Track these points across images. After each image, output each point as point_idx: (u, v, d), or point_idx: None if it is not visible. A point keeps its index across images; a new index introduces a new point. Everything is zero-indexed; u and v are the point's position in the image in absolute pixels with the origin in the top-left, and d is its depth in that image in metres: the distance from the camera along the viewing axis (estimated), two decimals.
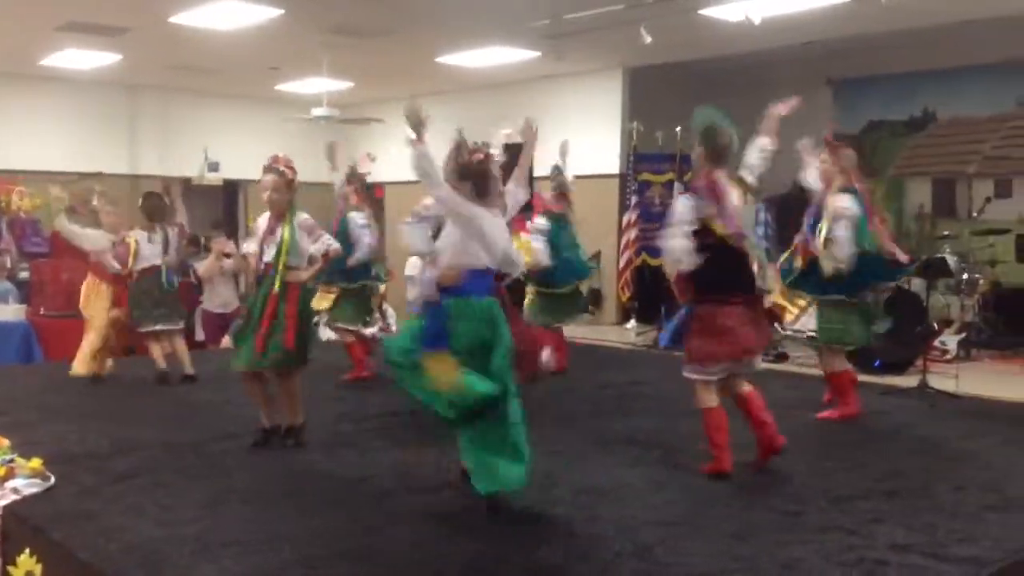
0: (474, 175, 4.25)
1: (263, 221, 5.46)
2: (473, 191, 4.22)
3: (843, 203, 6.05)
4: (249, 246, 5.70)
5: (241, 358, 5.31)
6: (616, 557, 3.74)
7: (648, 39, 9.04)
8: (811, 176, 6.37)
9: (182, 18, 9.12)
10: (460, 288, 4.11)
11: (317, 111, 11.40)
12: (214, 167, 14.07)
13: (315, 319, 6.11)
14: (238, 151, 14.13)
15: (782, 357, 9.07)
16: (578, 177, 8.07)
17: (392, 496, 4.53)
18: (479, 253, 4.15)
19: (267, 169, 5.38)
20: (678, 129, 10.74)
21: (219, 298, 10.42)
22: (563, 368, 7.79)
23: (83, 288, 7.62)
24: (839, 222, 6.00)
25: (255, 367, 5.30)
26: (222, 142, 14.12)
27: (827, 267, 6.03)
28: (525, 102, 12.70)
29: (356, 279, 7.50)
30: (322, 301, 7.30)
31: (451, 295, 4.12)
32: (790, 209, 7.06)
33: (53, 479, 4.60)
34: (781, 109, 5.15)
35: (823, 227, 6.08)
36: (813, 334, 6.34)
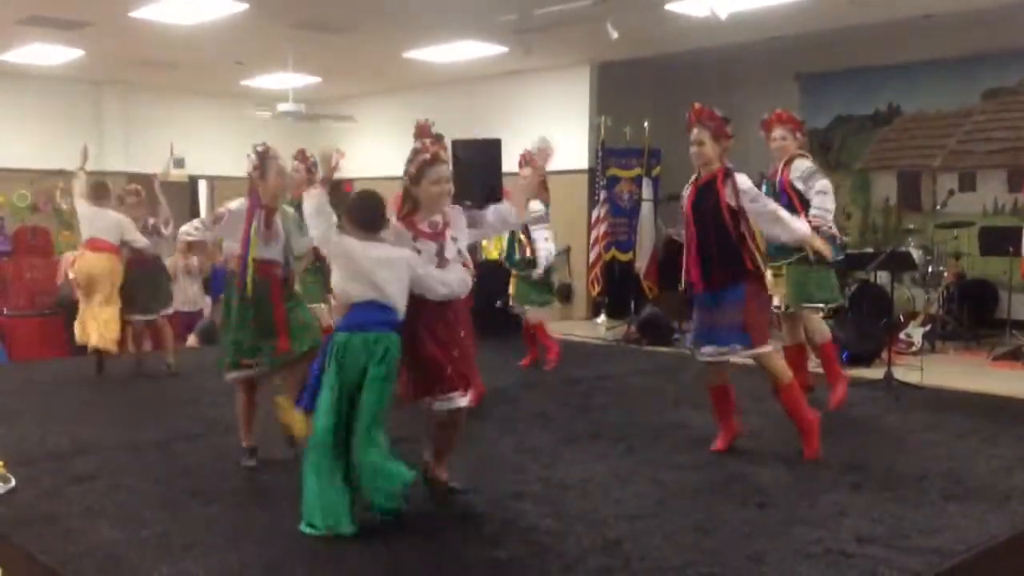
0: (352, 209, 4.10)
1: (238, 209, 4.96)
2: (356, 226, 4.06)
3: (810, 163, 6.24)
4: (213, 233, 5.28)
5: (264, 361, 4.95)
6: (584, 552, 3.74)
7: (615, 34, 9.04)
8: None
9: (144, 12, 9.00)
10: (347, 321, 4.03)
11: (283, 107, 11.31)
12: (180, 163, 13.92)
13: None
14: (204, 147, 14.01)
15: None
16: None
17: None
18: (360, 288, 4.01)
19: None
20: (646, 124, 10.75)
21: (184, 295, 10.34)
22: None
23: (79, 267, 7.55)
24: (815, 177, 6.13)
25: (287, 360, 4.96)
26: (188, 138, 13.97)
27: (826, 219, 6.10)
28: (493, 97, 12.71)
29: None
30: None
31: (340, 328, 4.05)
32: None
33: (14, 481, 4.53)
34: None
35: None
36: (783, 304, 6.35)
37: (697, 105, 5.13)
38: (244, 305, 4.86)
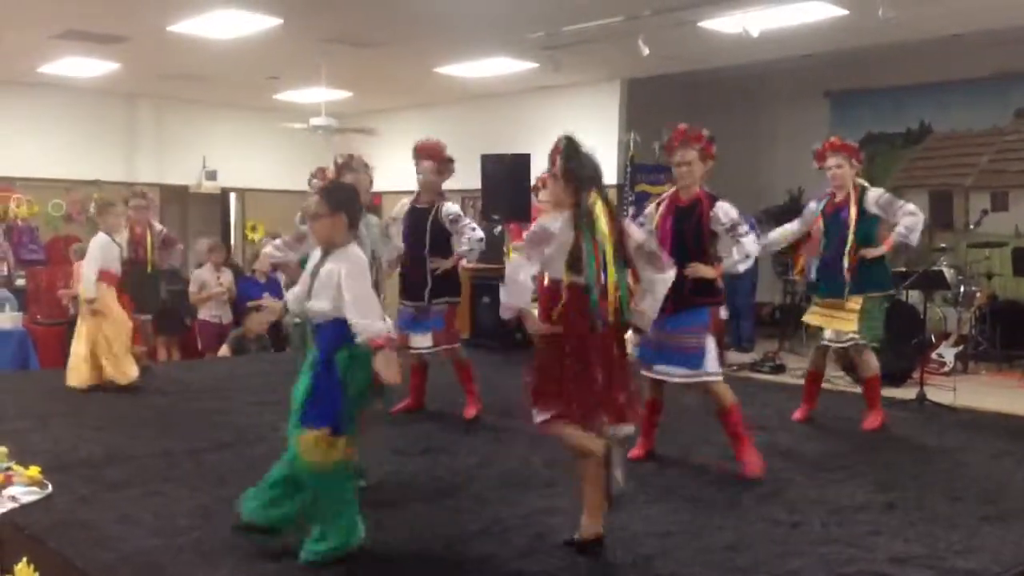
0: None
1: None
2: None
3: (882, 190, 6.26)
4: (296, 253, 5.31)
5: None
6: (615, 568, 3.74)
7: (646, 51, 9.04)
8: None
9: (181, 27, 9.12)
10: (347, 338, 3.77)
11: (315, 121, 11.40)
12: (212, 175, 14.06)
13: None
14: (236, 160, 14.14)
15: (779, 369, 9.07)
16: None
17: (395, 503, 4.51)
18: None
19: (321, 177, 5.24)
20: None
21: (212, 309, 10.50)
22: None
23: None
24: (896, 201, 6.13)
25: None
26: (220, 151, 14.11)
27: (914, 239, 6.12)
28: (522, 113, 12.75)
29: None
30: None
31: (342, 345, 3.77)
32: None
33: (51, 488, 4.58)
34: None
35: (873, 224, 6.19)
36: (854, 337, 6.23)
37: (683, 126, 5.18)
38: None
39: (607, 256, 3.81)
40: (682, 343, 5.09)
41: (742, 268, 5.21)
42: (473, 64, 10.97)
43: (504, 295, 3.87)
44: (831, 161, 6.22)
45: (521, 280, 3.81)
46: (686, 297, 4.91)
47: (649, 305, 4.01)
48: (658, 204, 5.36)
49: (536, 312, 3.94)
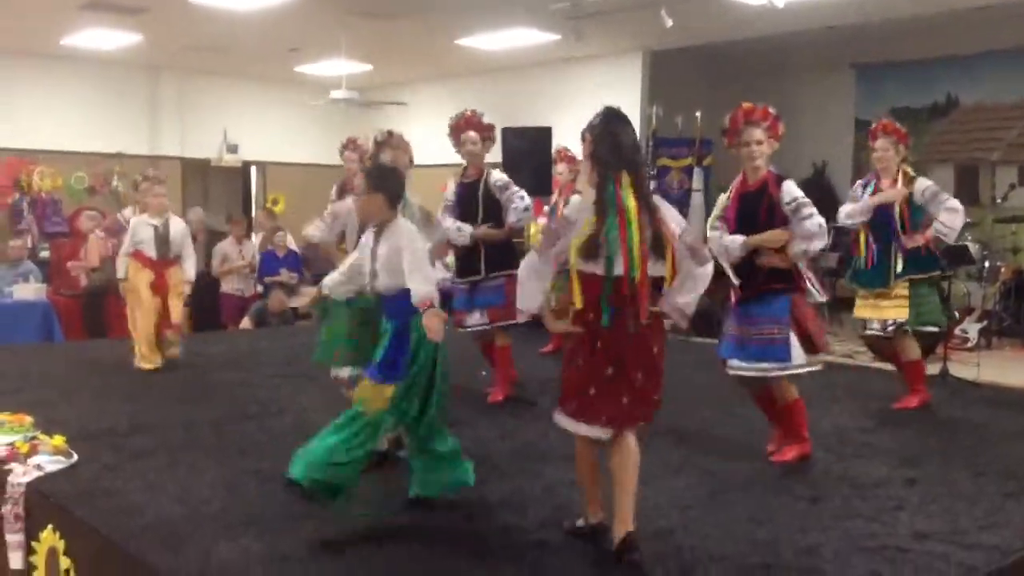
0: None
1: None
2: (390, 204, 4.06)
3: (932, 184, 6.11)
4: (334, 230, 5.38)
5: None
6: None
7: (669, 22, 8.96)
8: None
9: None
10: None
11: (336, 93, 11.39)
12: (233, 149, 14.08)
13: None
14: (257, 133, 14.16)
15: None
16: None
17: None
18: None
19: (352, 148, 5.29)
20: (698, 114, 10.65)
21: (234, 283, 10.57)
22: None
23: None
24: (941, 195, 6.02)
25: None
26: (241, 124, 14.13)
27: (952, 237, 6.08)
28: (544, 84, 12.68)
29: None
30: None
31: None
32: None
33: (76, 456, 4.64)
34: None
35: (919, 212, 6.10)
36: (898, 322, 6.12)
37: (746, 104, 4.87)
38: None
39: (634, 245, 3.49)
40: (764, 334, 4.77)
41: (806, 249, 4.76)
42: (494, 35, 10.90)
43: (516, 299, 3.72)
44: (878, 143, 6.14)
45: (529, 283, 3.65)
46: (761, 284, 4.76)
47: (686, 300, 3.69)
48: (729, 193, 5.01)
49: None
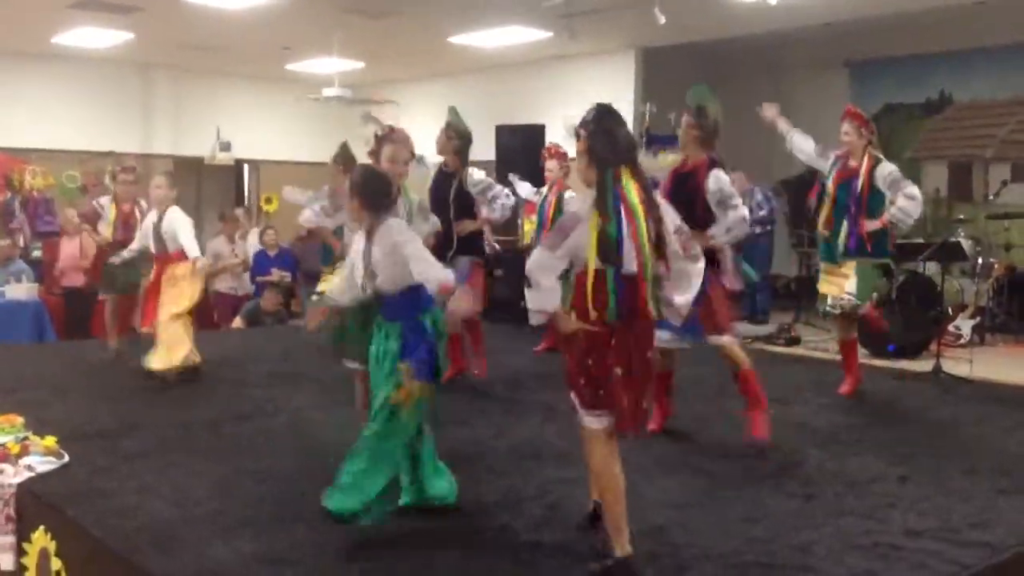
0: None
1: None
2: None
3: (896, 170, 6.18)
4: (334, 220, 5.52)
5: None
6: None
7: (662, 19, 8.94)
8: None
9: None
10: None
11: (328, 91, 11.36)
12: (226, 147, 14.04)
13: None
14: (250, 131, 14.12)
15: (794, 341, 9.04)
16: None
17: None
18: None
19: None
20: None
21: (227, 281, 10.55)
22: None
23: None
24: (903, 183, 6.06)
25: None
26: (234, 122, 14.08)
27: (907, 223, 6.17)
28: (537, 82, 12.66)
29: None
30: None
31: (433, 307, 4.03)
32: (805, 191, 7.01)
33: (67, 457, 4.62)
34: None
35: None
36: (848, 298, 6.23)
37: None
38: None
39: (642, 240, 3.42)
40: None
41: (727, 240, 5.11)
42: (487, 33, 10.88)
43: (530, 300, 3.46)
44: (844, 127, 6.29)
45: (546, 283, 3.44)
46: None
47: (684, 299, 3.62)
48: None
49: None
